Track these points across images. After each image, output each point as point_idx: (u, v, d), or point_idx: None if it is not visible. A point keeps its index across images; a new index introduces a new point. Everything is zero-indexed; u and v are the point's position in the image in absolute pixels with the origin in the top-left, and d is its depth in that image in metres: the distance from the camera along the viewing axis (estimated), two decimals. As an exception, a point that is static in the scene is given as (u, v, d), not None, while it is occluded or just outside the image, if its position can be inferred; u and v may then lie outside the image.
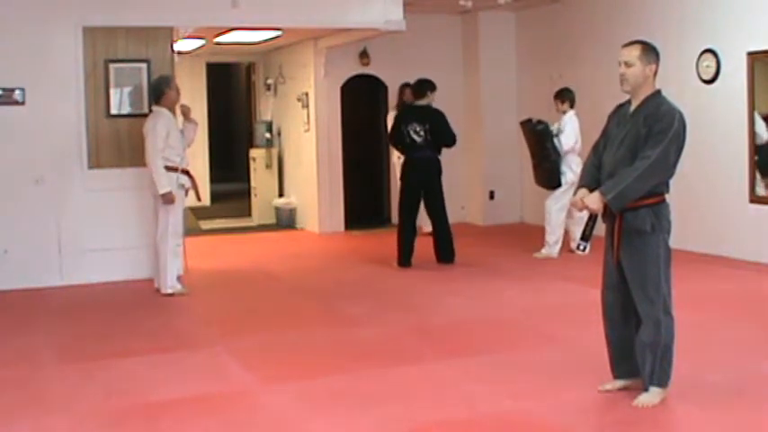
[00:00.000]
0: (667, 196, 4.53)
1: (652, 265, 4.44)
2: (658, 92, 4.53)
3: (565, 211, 9.12)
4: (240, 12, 8.54)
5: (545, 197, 9.39)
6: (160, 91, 7.70)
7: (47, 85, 8.14)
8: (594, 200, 4.47)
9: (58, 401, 4.95)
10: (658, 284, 4.45)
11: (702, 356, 5.44)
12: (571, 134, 8.98)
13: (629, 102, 4.60)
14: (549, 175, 9.10)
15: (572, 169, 8.96)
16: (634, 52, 4.49)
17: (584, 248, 4.77)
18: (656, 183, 4.38)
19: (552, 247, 9.17)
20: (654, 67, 4.51)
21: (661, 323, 4.45)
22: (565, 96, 9.20)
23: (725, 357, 5.43)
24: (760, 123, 8.33)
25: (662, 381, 4.51)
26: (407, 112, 9.06)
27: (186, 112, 7.91)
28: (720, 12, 8.76)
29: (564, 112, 9.14)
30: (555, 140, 9.05)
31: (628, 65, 4.49)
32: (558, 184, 9.07)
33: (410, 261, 8.82)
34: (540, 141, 9.10)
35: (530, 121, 9.36)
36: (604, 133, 4.69)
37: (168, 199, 7.52)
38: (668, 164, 4.37)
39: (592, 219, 4.63)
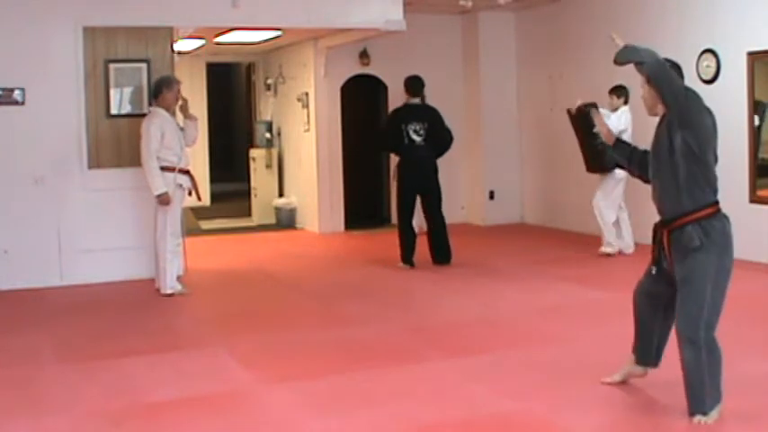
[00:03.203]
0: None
1: (698, 284, 4.22)
2: None
3: (616, 203, 9.04)
4: (240, 12, 8.54)
5: (547, 197, 9.35)
6: (158, 91, 7.70)
7: (47, 85, 8.14)
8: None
9: (58, 401, 4.95)
10: (700, 306, 4.21)
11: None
12: (620, 121, 8.76)
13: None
14: (602, 156, 8.72)
15: None
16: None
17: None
18: (656, 70, 4.22)
19: (613, 244, 9.07)
20: None
21: (696, 346, 4.22)
22: (620, 92, 9.01)
23: (725, 357, 5.41)
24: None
25: (695, 409, 4.28)
26: (405, 112, 8.89)
27: (184, 108, 7.88)
28: (720, 12, 8.76)
29: (616, 108, 8.99)
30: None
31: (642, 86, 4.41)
32: (614, 166, 8.86)
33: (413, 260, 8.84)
34: (590, 122, 8.86)
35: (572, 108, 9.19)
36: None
37: (163, 200, 7.51)
38: (674, 79, 4.27)
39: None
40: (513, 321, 6.62)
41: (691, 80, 8.90)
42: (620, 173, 8.86)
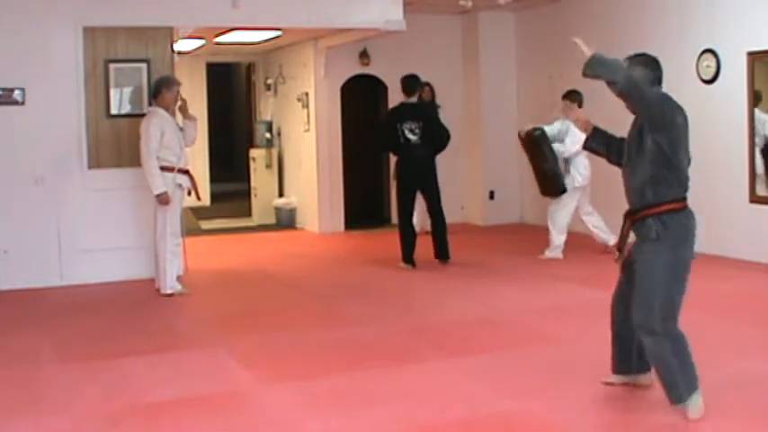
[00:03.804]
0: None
1: (651, 272, 4.28)
2: None
3: (570, 214, 9.10)
4: (240, 12, 8.54)
5: (547, 200, 9.34)
6: (158, 91, 7.71)
7: (47, 85, 8.14)
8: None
9: (58, 401, 4.95)
10: (653, 294, 4.25)
11: (702, 356, 5.42)
12: (576, 136, 8.87)
13: None
14: (551, 181, 8.86)
15: (579, 172, 8.92)
16: None
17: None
18: (619, 79, 4.15)
19: (556, 249, 9.14)
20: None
21: (655, 336, 4.25)
22: (574, 98, 9.04)
23: (725, 357, 5.43)
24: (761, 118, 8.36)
25: (673, 398, 4.33)
26: (401, 111, 8.90)
27: (183, 108, 7.87)
28: (720, 12, 8.76)
29: None
30: (555, 145, 8.93)
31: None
32: (564, 190, 8.94)
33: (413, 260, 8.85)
34: (537, 146, 8.90)
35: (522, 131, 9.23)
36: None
37: (163, 200, 7.51)
38: (642, 86, 4.23)
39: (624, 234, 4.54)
40: (513, 321, 6.62)
41: (691, 80, 8.95)
42: (579, 180, 8.92)
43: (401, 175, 8.88)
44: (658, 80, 4.42)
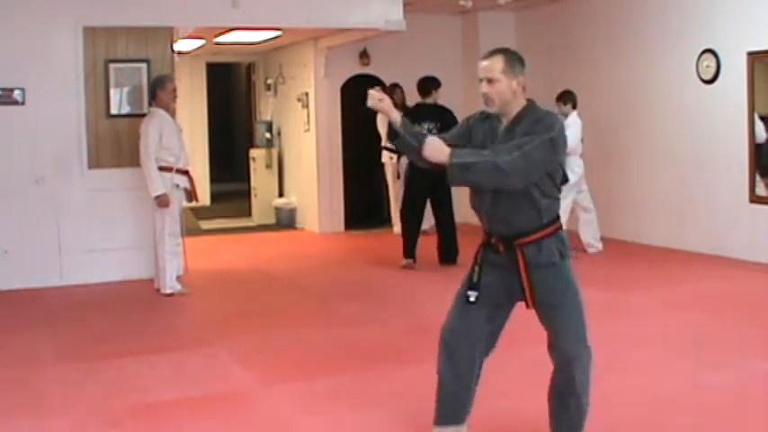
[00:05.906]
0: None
1: (574, 294, 3.83)
2: (531, 103, 3.83)
3: (565, 213, 9.11)
4: (240, 12, 8.54)
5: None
6: (153, 92, 7.72)
7: (47, 85, 8.14)
8: (437, 149, 3.72)
9: (58, 401, 4.95)
10: (582, 319, 3.86)
11: (702, 356, 5.44)
12: (572, 136, 8.88)
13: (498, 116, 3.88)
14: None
15: (573, 171, 8.93)
16: (497, 65, 3.80)
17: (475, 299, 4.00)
18: (507, 181, 3.60)
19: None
20: (521, 78, 3.78)
21: (587, 363, 3.91)
22: (567, 98, 9.05)
23: (725, 357, 5.43)
24: (759, 124, 8.35)
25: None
26: (418, 111, 8.92)
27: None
28: (720, 12, 8.76)
29: (566, 115, 9.02)
30: None
31: (491, 82, 3.80)
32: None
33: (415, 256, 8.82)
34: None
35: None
36: (468, 137, 4.00)
37: (162, 202, 7.50)
38: (533, 163, 3.57)
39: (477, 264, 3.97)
40: (513, 321, 6.57)
41: (691, 80, 8.95)
42: (572, 178, 8.89)
43: (415, 175, 8.74)
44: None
